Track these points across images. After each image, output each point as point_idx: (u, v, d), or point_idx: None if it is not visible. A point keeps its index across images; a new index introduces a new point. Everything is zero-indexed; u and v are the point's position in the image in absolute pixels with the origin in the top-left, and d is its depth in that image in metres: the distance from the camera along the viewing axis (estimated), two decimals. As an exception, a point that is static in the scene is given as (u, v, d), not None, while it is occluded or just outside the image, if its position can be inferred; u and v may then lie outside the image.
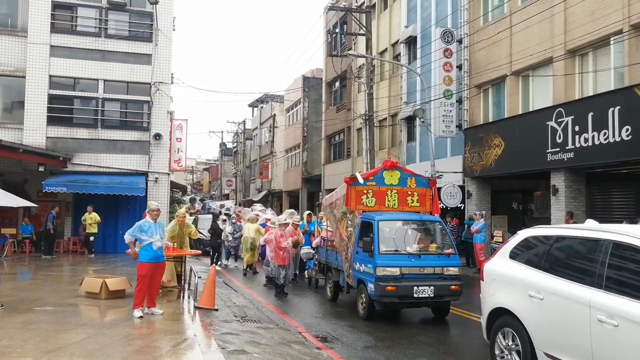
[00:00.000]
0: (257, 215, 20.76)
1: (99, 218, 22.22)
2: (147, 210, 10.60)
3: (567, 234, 6.74)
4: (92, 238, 22.36)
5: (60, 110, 23.94)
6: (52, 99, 23.77)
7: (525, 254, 7.10)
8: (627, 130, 14.60)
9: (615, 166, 16.27)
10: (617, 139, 14.87)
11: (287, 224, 15.42)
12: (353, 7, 32.97)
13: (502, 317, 7.08)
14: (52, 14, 23.79)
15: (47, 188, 21.89)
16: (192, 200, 66.33)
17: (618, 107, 14.89)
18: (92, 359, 7.19)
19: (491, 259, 7.91)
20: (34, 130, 23.16)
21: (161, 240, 10.33)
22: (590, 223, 6.77)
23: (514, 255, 7.26)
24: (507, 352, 6.93)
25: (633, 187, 17.07)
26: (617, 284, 5.57)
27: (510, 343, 6.88)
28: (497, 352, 7.13)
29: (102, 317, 10.47)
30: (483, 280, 7.76)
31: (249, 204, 43.27)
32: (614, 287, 5.55)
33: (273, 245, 14.97)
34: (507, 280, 7.14)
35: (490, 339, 7.34)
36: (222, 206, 37.38)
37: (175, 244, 13.15)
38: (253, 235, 18.79)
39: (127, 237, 10.16)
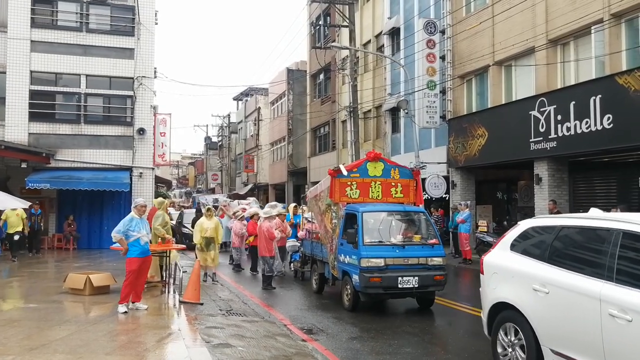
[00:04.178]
0: (244, 209, 20.67)
1: (24, 214, 19.88)
2: (135, 206, 10.53)
3: (572, 224, 6.36)
4: (16, 237, 19.45)
5: (42, 106, 23.75)
6: (33, 94, 23.58)
7: (528, 245, 6.76)
8: (609, 118, 14.72)
9: (597, 154, 16.40)
10: (599, 127, 14.99)
11: (273, 217, 15.47)
12: (336, -2, 32.87)
13: (504, 312, 6.72)
14: (32, 9, 23.59)
15: (30, 185, 21.72)
16: (189, 194, 66.29)
17: (599, 96, 15.01)
18: (76, 355, 7.15)
19: (491, 251, 7.52)
20: (16, 127, 22.96)
21: (147, 235, 10.38)
22: (595, 212, 6.43)
23: (515, 247, 6.91)
24: (510, 349, 6.58)
25: (615, 175, 17.22)
26: (630, 277, 5.22)
27: (513, 339, 6.53)
28: (499, 349, 6.79)
29: (86, 313, 10.42)
30: (483, 273, 7.35)
31: (235, 198, 43.08)
32: (626, 280, 5.20)
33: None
34: (509, 273, 6.78)
35: (492, 335, 6.98)
36: (216, 200, 37.02)
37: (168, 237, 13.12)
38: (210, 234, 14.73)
39: (117, 235, 10.06)
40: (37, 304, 10.95)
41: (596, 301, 5.33)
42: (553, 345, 5.89)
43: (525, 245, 6.78)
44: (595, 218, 6.07)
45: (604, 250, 5.55)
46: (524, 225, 7.09)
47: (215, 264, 14.88)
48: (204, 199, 40.32)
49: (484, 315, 7.24)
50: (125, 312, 9.89)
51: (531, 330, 6.16)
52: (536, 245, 6.62)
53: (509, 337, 6.60)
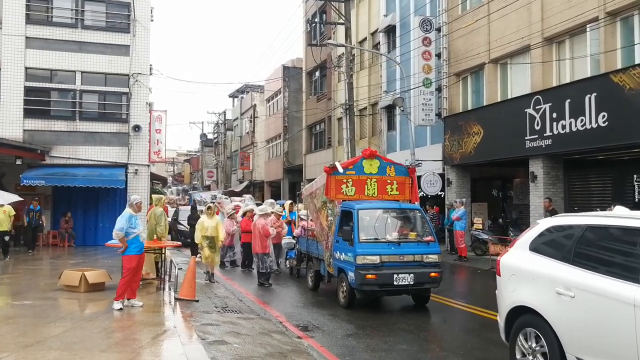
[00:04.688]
0: (237, 206, 20.64)
1: (13, 212, 18.91)
2: (133, 203, 10.46)
3: (599, 223, 5.92)
4: (7, 238, 18.70)
5: (37, 103, 23.65)
6: (28, 91, 23.47)
7: (549, 245, 6.35)
8: (604, 116, 14.76)
9: (592, 152, 16.44)
10: (594, 125, 15.03)
11: (269, 214, 15.47)
12: (332, -4, 32.84)
13: (524, 316, 6.30)
14: (27, 5, 23.42)
15: (25, 181, 21.62)
16: (185, 191, 66.34)
17: (594, 94, 15.06)
18: (71, 352, 7.13)
19: (508, 251, 7.10)
20: (11, 123, 22.85)
21: (144, 232, 10.44)
22: (621, 210, 6.00)
23: (535, 247, 6.47)
24: (530, 356, 6.17)
25: (610, 173, 17.27)
26: None
27: (534, 345, 6.10)
28: (518, 355, 6.37)
29: (81, 310, 10.40)
30: (499, 275, 6.90)
31: (231, 195, 42.97)
32: None
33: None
34: (529, 275, 6.33)
35: (510, 341, 6.55)
36: (214, 197, 36.93)
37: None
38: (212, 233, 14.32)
39: (120, 233, 9.92)
40: (32, 300, 10.91)
41: (629, 307, 4.95)
42: (579, 353, 5.49)
43: (546, 246, 6.39)
44: (624, 217, 5.64)
45: (637, 252, 5.18)
46: (544, 224, 6.70)
47: (214, 263, 14.53)
48: (199, 196, 40.19)
49: (500, 319, 6.82)
50: (121, 309, 9.88)
51: (555, 336, 5.76)
52: (558, 246, 6.24)
53: (529, 343, 6.19)
